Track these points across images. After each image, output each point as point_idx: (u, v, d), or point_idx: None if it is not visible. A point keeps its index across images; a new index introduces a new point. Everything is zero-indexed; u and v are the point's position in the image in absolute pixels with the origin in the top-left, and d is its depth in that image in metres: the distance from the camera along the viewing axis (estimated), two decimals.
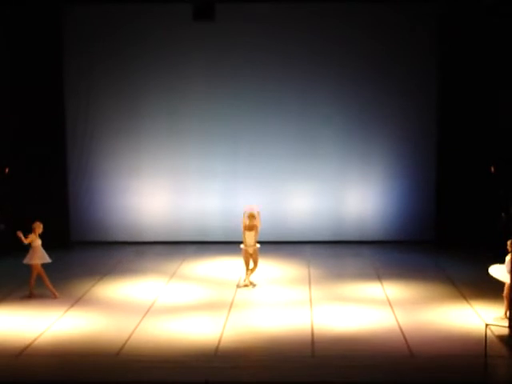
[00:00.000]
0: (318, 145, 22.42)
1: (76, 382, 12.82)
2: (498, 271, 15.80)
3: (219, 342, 14.33)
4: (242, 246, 18.05)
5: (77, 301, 16.95)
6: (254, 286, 18.06)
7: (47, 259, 17.01)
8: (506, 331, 14.34)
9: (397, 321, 15.50)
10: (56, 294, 16.99)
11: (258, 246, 18.01)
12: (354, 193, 22.51)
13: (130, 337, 14.64)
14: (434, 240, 22.00)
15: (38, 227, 17.05)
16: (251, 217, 17.95)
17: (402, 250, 21.58)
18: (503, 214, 20.35)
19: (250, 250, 17.93)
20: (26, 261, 17.07)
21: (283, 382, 12.77)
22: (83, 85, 22.29)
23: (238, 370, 13.15)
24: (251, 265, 18.06)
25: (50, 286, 17.02)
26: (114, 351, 13.91)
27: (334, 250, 21.84)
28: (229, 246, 20.73)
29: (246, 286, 17.97)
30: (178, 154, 22.54)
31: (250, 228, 17.92)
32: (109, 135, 22.53)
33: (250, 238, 17.91)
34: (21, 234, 16.81)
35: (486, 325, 13.76)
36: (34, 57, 21.42)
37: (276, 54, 22.13)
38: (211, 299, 17.17)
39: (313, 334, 14.74)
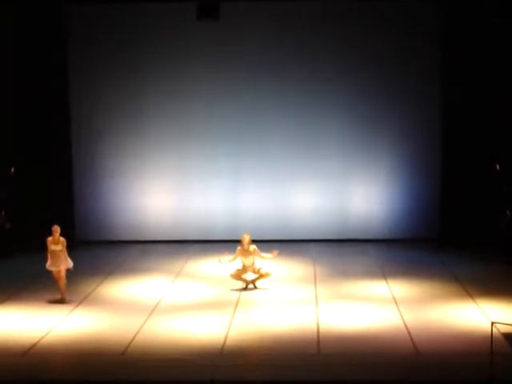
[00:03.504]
0: (322, 143, 22.41)
1: (81, 382, 12.84)
2: None
3: (225, 340, 14.32)
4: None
5: (82, 300, 16.96)
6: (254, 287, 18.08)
7: (53, 267, 16.67)
8: (511, 329, 14.31)
9: (402, 319, 15.49)
10: (65, 297, 16.86)
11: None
12: (358, 191, 22.50)
13: (135, 336, 14.64)
14: (439, 238, 21.97)
15: (55, 231, 16.69)
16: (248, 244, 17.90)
17: (407, 248, 21.56)
18: (508, 212, 20.34)
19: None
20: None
21: (289, 380, 12.76)
22: (87, 84, 22.29)
23: (243, 369, 13.16)
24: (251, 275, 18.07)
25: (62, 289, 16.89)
26: (120, 350, 13.91)
27: (339, 249, 21.83)
28: (233, 244, 20.67)
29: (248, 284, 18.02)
30: (182, 153, 22.54)
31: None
32: (113, 135, 22.54)
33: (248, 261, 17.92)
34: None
35: (492, 323, 13.74)
36: (38, 57, 21.42)
37: (279, 53, 22.09)
38: (216, 298, 17.17)
39: (318, 333, 14.74)
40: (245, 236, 17.85)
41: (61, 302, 16.68)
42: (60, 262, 16.65)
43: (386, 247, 21.83)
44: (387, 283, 18.09)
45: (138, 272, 19.44)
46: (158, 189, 22.64)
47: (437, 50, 21.73)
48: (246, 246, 17.75)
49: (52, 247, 16.65)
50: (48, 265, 16.69)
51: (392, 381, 12.63)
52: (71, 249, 17.04)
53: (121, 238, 22.61)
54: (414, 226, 22.40)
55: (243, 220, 18.91)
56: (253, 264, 17.81)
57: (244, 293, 17.50)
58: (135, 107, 22.44)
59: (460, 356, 13.49)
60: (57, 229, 16.71)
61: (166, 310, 16.27)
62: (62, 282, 16.71)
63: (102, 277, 18.84)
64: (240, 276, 17.86)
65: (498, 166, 21.00)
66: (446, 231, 21.79)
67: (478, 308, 16.09)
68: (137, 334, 14.77)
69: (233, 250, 20.53)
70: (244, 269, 17.85)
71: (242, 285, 17.91)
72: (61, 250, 16.66)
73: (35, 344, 14.24)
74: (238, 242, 18.88)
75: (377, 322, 15.36)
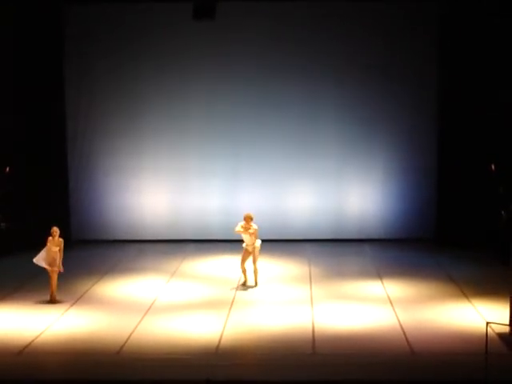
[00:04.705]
0: (319, 144, 22.42)
1: (77, 381, 12.83)
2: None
3: (220, 340, 14.33)
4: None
5: (78, 299, 16.96)
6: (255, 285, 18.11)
7: (49, 266, 16.63)
8: (506, 329, 14.34)
9: (397, 319, 15.51)
10: (55, 298, 16.83)
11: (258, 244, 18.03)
12: (354, 191, 22.52)
13: (130, 335, 14.64)
14: (435, 238, 22.01)
15: (54, 232, 16.63)
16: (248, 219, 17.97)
17: (403, 248, 21.58)
18: (503, 212, 20.35)
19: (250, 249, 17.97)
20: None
21: (284, 379, 12.76)
22: (84, 84, 22.31)
23: (238, 368, 13.15)
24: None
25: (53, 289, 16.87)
26: (115, 349, 13.92)
27: (335, 249, 21.85)
28: (229, 244, 20.73)
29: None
30: (179, 152, 22.55)
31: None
32: (110, 134, 22.54)
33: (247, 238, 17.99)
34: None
35: (487, 323, 13.75)
36: (36, 56, 21.41)
37: (277, 53, 22.12)
38: (212, 297, 17.17)
39: (314, 332, 14.75)
40: (250, 214, 17.91)
41: (53, 302, 16.66)
42: (55, 263, 16.63)
43: (381, 247, 21.85)
44: (382, 283, 18.10)
45: (133, 271, 19.44)
46: (154, 188, 22.64)
47: (435, 51, 21.74)
48: (247, 225, 17.79)
49: (53, 248, 16.64)
50: (43, 262, 16.65)
51: (387, 380, 12.64)
52: (67, 248, 16.99)
53: (117, 238, 22.62)
54: (409, 226, 22.42)
55: (240, 220, 18.85)
56: (252, 243, 17.84)
57: (239, 292, 17.50)
58: (132, 106, 22.45)
59: (455, 356, 13.51)
60: (56, 230, 16.71)
61: (162, 310, 16.27)
62: (55, 281, 16.71)
63: (97, 276, 18.84)
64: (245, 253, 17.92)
65: (493, 167, 21.01)
66: (442, 231, 21.82)
67: (473, 308, 16.11)
68: (132, 333, 14.77)
69: (229, 251, 20.62)
70: (247, 250, 17.85)
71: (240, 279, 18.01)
72: (57, 252, 16.67)
73: (30, 343, 14.24)
74: (234, 241, 18.97)
75: (372, 322, 15.37)
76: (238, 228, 17.91)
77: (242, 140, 22.47)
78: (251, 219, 17.90)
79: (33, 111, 21.54)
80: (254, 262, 17.94)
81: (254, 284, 17.98)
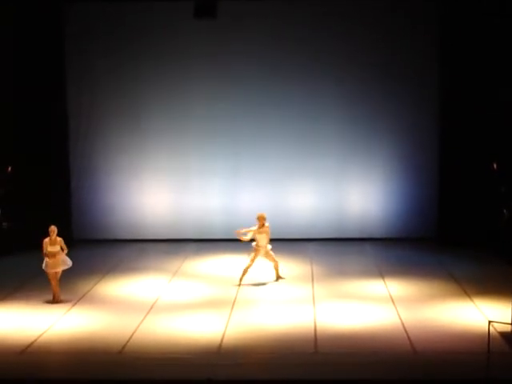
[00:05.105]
0: (320, 143, 22.42)
1: (78, 380, 12.83)
2: None
3: (222, 339, 14.33)
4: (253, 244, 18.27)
5: (79, 299, 16.96)
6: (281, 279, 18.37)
7: (50, 269, 16.56)
8: (508, 328, 14.33)
9: (399, 318, 15.50)
10: (59, 298, 16.83)
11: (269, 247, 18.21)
12: (356, 190, 22.51)
13: (132, 335, 14.64)
14: (436, 237, 21.98)
15: (52, 232, 16.60)
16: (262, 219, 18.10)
17: (405, 247, 21.57)
18: (505, 211, 20.35)
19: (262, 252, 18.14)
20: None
21: (286, 379, 12.76)
22: (85, 83, 22.29)
23: (240, 368, 13.14)
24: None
25: (56, 290, 16.86)
26: (117, 349, 13.91)
27: (337, 248, 21.85)
28: (231, 243, 20.73)
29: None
30: (180, 152, 22.54)
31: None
32: (111, 134, 22.53)
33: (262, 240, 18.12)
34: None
35: (489, 322, 13.76)
36: (36, 55, 21.38)
37: (278, 52, 22.11)
38: (214, 297, 17.17)
39: (315, 331, 14.75)
40: (263, 214, 18.13)
41: (56, 302, 16.64)
42: (57, 263, 16.62)
43: (383, 246, 21.84)
44: (384, 282, 18.09)
45: (135, 271, 19.43)
46: (155, 187, 22.64)
47: (435, 49, 21.73)
48: (261, 224, 18.01)
49: (49, 248, 16.60)
50: (45, 266, 16.64)
51: (389, 380, 12.63)
52: (69, 247, 16.97)
53: (118, 237, 22.61)
54: (411, 225, 22.41)
55: (241, 219, 18.92)
56: (265, 245, 18.04)
57: (241, 292, 17.50)
58: (133, 105, 22.44)
59: (457, 355, 13.49)
60: (54, 229, 16.65)
61: (164, 309, 16.26)
62: (57, 282, 16.68)
63: (99, 275, 18.84)
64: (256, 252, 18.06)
65: (495, 166, 21.00)
66: (444, 230, 21.79)
67: (475, 307, 16.10)
68: (134, 332, 14.77)
69: (231, 250, 20.64)
70: (258, 249, 17.99)
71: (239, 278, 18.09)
72: (58, 251, 16.64)
73: (33, 342, 14.24)
74: (236, 241, 18.94)
75: (374, 320, 15.36)
76: (254, 233, 18.06)
77: (243, 139, 22.47)
78: (264, 219, 18.03)
79: (33, 111, 21.52)
80: (273, 259, 18.20)
81: (275, 279, 18.27)
